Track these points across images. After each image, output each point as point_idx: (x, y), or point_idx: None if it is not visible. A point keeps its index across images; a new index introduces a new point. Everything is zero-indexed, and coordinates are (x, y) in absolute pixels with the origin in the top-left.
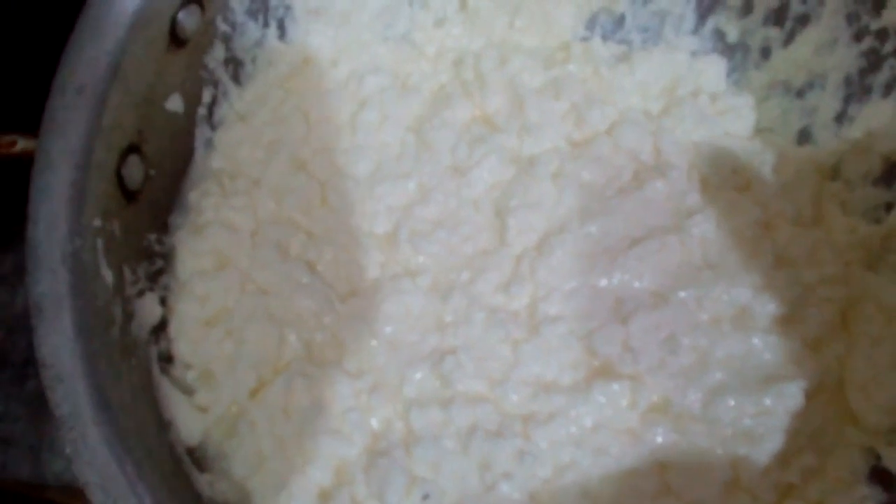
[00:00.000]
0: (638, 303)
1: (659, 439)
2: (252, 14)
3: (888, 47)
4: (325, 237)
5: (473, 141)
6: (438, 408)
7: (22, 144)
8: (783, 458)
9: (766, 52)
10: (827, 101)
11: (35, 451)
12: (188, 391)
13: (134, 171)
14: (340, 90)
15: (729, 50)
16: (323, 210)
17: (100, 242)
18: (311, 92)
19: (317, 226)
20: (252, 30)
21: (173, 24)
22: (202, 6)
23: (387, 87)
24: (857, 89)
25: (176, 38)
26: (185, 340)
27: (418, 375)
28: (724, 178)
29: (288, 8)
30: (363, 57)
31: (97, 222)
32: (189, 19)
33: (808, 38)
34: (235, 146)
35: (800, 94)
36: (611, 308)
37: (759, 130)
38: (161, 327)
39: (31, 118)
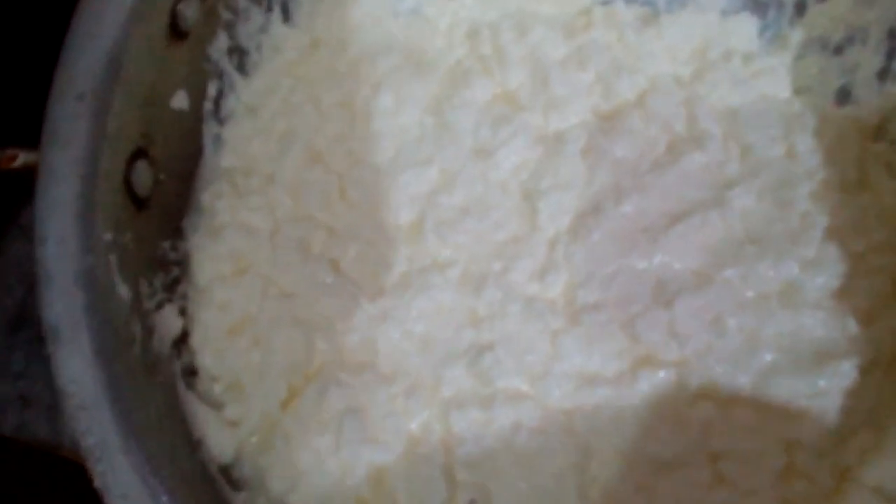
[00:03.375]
0: (681, 284)
1: (709, 427)
2: None
3: None
4: (347, 233)
5: (496, 120)
6: (479, 409)
7: (23, 158)
8: (839, 439)
9: (800, 8)
10: (868, 57)
11: (53, 411)
12: (217, 406)
13: (143, 177)
14: (352, 73)
15: (761, 7)
16: (343, 204)
17: (113, 257)
18: (322, 77)
19: (338, 221)
20: (256, 15)
21: (173, 15)
22: None
23: (400, 66)
24: None
25: (177, 31)
26: (209, 351)
27: (455, 374)
28: (764, 145)
29: None
30: (374, 36)
31: (109, 236)
32: (189, 9)
33: None
34: (246, 141)
35: (838, 50)
36: (652, 291)
37: (796, 91)
38: (183, 339)
39: (29, 130)
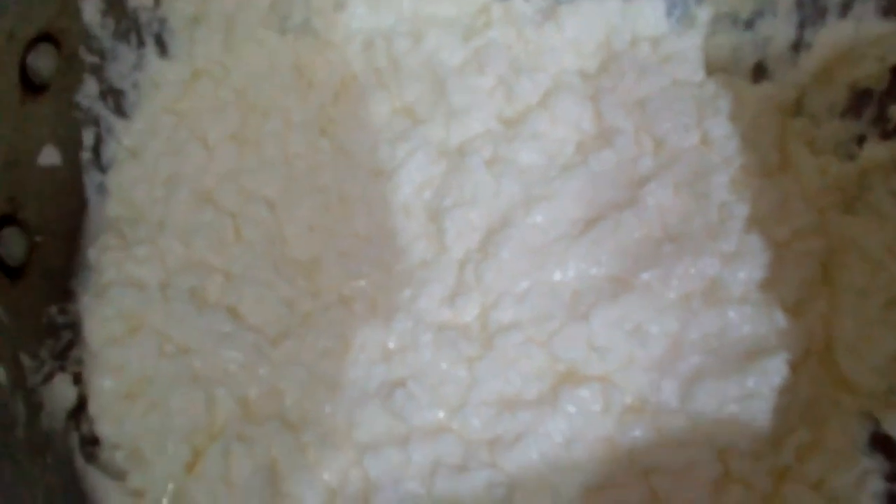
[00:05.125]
0: (598, 293)
1: (638, 443)
2: (122, 36)
3: None
4: (244, 276)
5: (395, 138)
6: (395, 448)
7: None
8: (775, 440)
9: None
10: (780, 29)
11: None
12: (119, 476)
13: (13, 245)
14: (239, 101)
15: None
16: (238, 245)
17: None
18: (207, 110)
19: (234, 264)
20: (126, 53)
21: (23, 70)
22: (56, 42)
23: (290, 88)
24: (810, 11)
25: (31, 85)
26: (108, 419)
27: (368, 415)
28: (678, 135)
29: (163, 21)
30: (259, 58)
31: None
32: (42, 60)
33: None
34: (131, 187)
35: (749, 24)
36: (569, 304)
37: (711, 72)
38: (81, 408)
39: None
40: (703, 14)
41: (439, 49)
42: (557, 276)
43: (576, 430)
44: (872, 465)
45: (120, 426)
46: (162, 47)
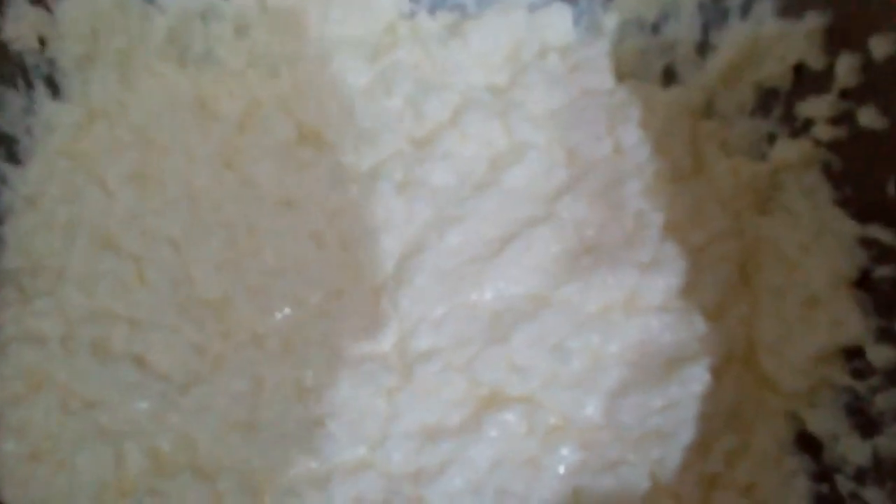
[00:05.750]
0: (517, 313)
1: (565, 463)
2: (8, 81)
3: None
4: (150, 322)
5: (302, 165)
6: (316, 490)
7: None
8: (702, 448)
9: None
10: (685, 33)
11: None
12: None
13: None
14: (138, 140)
15: None
16: (142, 290)
17: None
18: (104, 151)
19: (138, 310)
20: (14, 98)
21: None
22: None
23: (190, 122)
24: (712, 14)
25: None
26: (13, 483)
27: (285, 458)
28: (590, 145)
29: (52, 62)
30: (158, 94)
31: None
32: None
33: None
34: (29, 237)
35: (655, 29)
36: (488, 326)
37: (621, 79)
38: None
39: None
40: (610, 21)
41: (345, 71)
42: (475, 297)
43: (501, 454)
44: (799, 465)
45: (26, 489)
46: (54, 89)
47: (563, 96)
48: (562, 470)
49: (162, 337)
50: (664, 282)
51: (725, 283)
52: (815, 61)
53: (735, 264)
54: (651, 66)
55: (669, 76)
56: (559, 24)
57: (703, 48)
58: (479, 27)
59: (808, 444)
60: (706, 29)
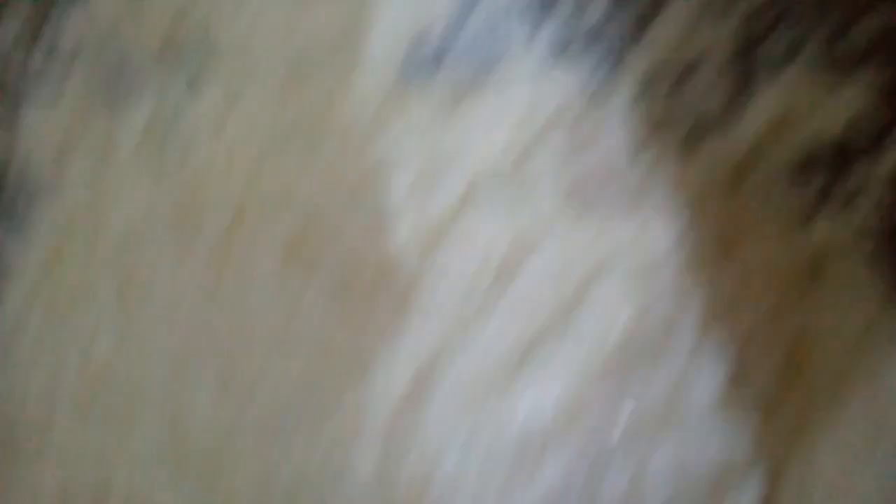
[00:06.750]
0: (546, 434)
1: None
2: None
3: None
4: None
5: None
6: None
7: None
8: None
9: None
10: (713, 90)
11: None
12: None
13: None
14: (104, 276)
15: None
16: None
17: None
18: (72, 296)
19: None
20: None
21: None
22: None
23: (169, 240)
24: (746, 66)
25: None
26: None
27: None
28: (618, 223)
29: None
30: (132, 210)
31: None
32: None
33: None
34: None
35: (678, 85)
36: (516, 452)
37: (640, 146)
38: None
39: None
40: (625, 82)
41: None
42: (501, 415)
43: None
44: None
45: None
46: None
47: (577, 170)
48: None
49: None
50: (707, 377)
51: (775, 372)
52: (871, 120)
53: (784, 348)
54: (674, 131)
55: (695, 140)
56: (565, 94)
57: (735, 106)
58: (473, 109)
59: None
60: (739, 83)
